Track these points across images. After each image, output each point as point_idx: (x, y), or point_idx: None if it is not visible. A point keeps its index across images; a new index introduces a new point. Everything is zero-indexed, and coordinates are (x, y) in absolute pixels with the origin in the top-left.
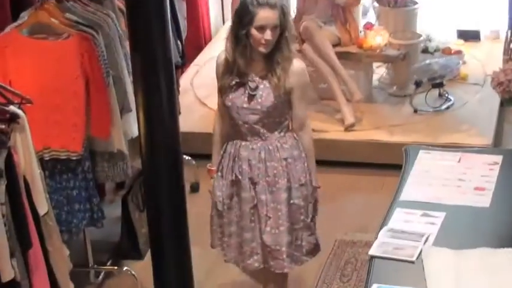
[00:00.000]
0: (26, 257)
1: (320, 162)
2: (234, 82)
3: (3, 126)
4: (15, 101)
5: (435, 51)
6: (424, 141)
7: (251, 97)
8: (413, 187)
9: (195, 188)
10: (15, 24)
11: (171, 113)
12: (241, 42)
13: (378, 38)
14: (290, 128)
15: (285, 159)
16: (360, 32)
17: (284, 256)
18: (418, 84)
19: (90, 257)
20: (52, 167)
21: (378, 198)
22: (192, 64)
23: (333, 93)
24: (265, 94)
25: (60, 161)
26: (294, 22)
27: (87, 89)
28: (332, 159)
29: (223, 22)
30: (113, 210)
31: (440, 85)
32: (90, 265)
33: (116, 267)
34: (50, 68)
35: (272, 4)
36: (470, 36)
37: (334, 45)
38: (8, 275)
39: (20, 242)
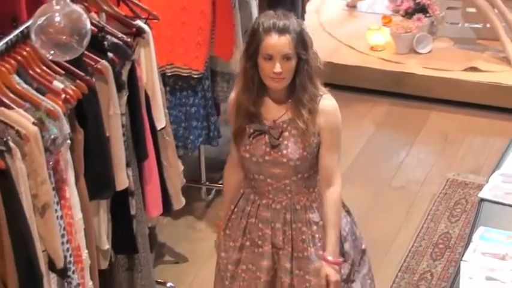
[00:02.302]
0: (141, 168)
1: (444, 102)
2: (251, 130)
3: (128, 40)
4: (143, 16)
5: None
6: None
7: (274, 148)
8: None
9: None
10: None
11: None
12: (248, 75)
13: None
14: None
15: (316, 223)
16: None
17: None
18: None
19: (203, 173)
20: (173, 83)
21: (497, 142)
22: None
23: (495, 32)
24: (292, 144)
25: (182, 77)
26: None
27: (213, 9)
28: (455, 99)
29: None
30: (228, 130)
31: None
32: (202, 182)
33: None
34: None
35: (281, 29)
36: None
37: None
38: (123, 183)
39: (137, 153)
